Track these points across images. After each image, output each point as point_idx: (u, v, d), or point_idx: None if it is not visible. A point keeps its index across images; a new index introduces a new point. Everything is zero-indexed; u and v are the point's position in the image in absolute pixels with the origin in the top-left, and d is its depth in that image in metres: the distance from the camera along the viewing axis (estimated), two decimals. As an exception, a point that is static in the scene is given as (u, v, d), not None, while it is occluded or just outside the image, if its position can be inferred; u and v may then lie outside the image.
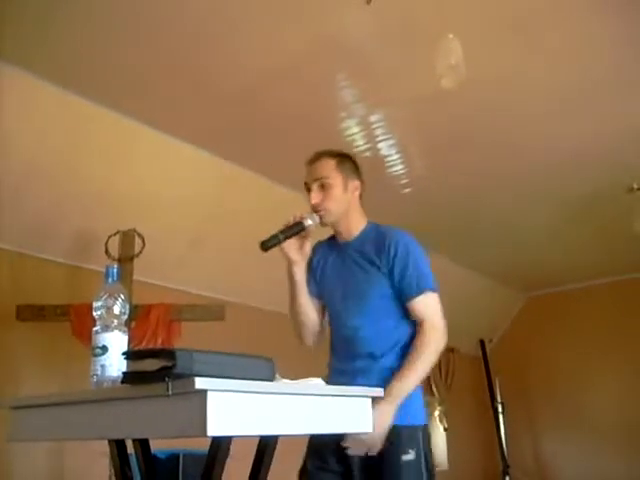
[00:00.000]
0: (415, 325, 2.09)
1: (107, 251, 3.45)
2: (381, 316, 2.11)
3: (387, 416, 1.90)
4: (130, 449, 1.54)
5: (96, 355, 1.35)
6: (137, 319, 3.41)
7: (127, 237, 3.59)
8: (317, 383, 1.36)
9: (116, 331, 1.37)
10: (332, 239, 2.29)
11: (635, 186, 4.67)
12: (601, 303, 6.75)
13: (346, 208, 2.17)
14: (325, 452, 2.07)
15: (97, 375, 1.33)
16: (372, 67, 3.31)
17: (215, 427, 1.10)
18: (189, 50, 3.09)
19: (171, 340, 3.39)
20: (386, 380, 1.96)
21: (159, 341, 3.38)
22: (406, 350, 2.04)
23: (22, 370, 3.49)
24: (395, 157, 4.32)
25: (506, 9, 2.91)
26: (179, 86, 3.37)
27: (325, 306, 2.28)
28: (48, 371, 3.56)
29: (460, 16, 2.95)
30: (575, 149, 4.21)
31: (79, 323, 3.24)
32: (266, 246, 2.03)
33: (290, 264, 2.17)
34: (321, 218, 2.13)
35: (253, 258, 4.60)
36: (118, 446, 1.52)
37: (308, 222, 2.08)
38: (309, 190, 2.16)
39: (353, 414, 1.43)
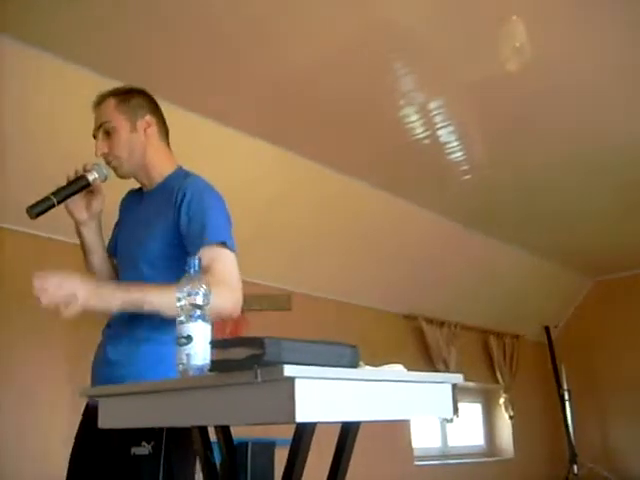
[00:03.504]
0: None
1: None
2: (156, 277, 1.75)
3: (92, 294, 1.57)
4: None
5: (181, 345, 1.37)
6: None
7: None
8: (399, 370, 1.36)
9: (199, 321, 1.39)
10: (140, 190, 1.98)
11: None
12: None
13: (140, 151, 1.85)
14: None
15: (183, 364, 1.36)
16: (430, 52, 3.28)
17: (303, 414, 1.11)
18: (244, 39, 3.10)
19: (239, 330, 3.44)
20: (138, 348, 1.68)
21: (227, 331, 3.44)
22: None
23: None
24: (455, 144, 4.28)
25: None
26: (237, 76, 3.40)
27: None
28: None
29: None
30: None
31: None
32: (35, 212, 1.69)
33: (76, 225, 1.88)
34: (114, 169, 1.85)
35: (317, 248, 4.68)
36: (201, 433, 1.55)
37: (93, 176, 1.80)
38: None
39: (434, 400, 1.42)
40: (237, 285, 1.69)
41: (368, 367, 1.30)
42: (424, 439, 5.90)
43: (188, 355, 1.36)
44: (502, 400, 6.57)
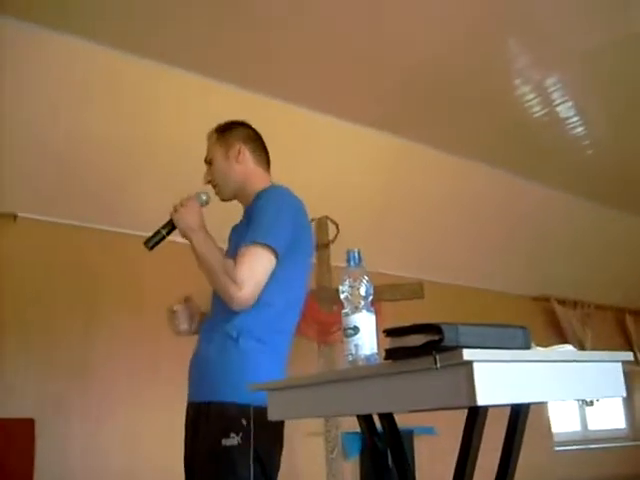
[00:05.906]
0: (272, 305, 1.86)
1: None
2: None
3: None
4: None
5: (348, 336, 1.41)
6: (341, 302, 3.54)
7: (321, 224, 3.74)
8: (569, 350, 1.35)
9: (364, 311, 1.43)
10: None
11: None
12: None
13: (234, 177, 2.04)
14: None
15: (352, 354, 1.40)
16: (544, 27, 3.20)
17: (483, 396, 1.12)
18: (358, 30, 3.14)
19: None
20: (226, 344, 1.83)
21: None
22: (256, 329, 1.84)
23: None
24: (575, 119, 4.15)
25: None
26: (350, 70, 3.45)
27: None
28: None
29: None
30: None
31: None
32: (150, 245, 1.96)
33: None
34: (217, 194, 2.07)
35: (441, 234, 4.65)
36: (367, 421, 1.60)
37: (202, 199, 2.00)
38: None
39: (604, 379, 1.40)
40: (242, 279, 1.77)
41: (539, 348, 1.30)
42: (564, 424, 5.74)
43: (356, 346, 1.41)
44: (643, 381, 6.29)
